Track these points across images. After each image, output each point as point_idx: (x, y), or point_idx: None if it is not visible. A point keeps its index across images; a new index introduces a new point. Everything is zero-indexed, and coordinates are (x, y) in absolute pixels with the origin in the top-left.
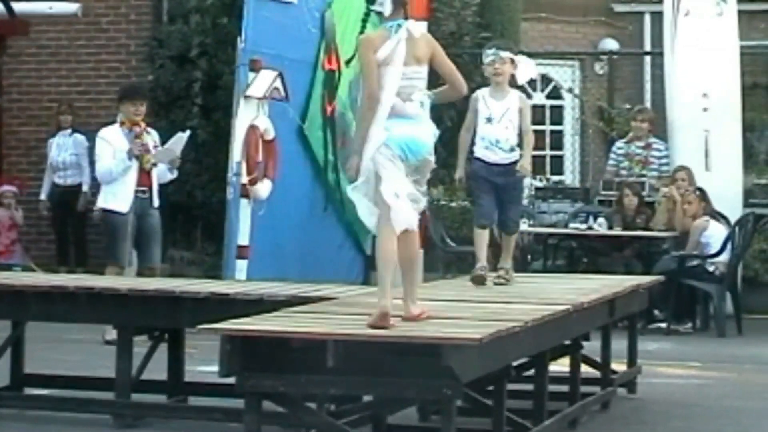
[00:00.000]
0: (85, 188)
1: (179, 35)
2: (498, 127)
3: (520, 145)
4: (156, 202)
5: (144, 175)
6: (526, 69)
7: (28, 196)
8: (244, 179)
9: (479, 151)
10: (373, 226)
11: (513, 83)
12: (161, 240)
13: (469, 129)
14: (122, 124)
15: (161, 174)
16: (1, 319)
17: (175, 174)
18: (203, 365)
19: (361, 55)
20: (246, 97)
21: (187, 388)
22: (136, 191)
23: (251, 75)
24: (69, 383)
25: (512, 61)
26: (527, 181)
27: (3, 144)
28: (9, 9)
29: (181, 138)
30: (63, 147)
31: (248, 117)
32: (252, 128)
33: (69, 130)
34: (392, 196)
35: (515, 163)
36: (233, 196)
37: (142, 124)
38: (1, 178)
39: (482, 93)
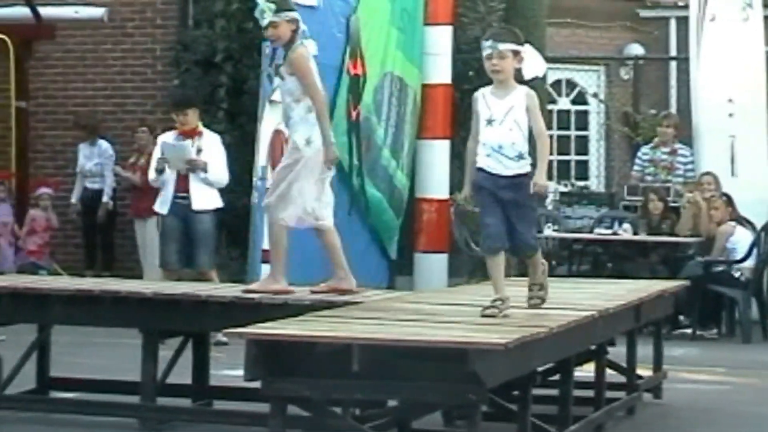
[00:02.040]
0: (105, 198)
1: (205, 40)
2: (500, 129)
3: (532, 152)
4: (197, 206)
5: (182, 179)
6: (533, 63)
7: (54, 200)
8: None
9: (481, 160)
10: None
11: (519, 78)
12: (211, 244)
13: (475, 136)
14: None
15: (214, 179)
16: (27, 322)
17: (223, 179)
18: (228, 369)
19: None
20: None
21: (212, 392)
22: (176, 196)
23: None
24: (94, 387)
25: (516, 53)
26: (552, 186)
27: (30, 148)
28: (35, 13)
29: (182, 145)
30: (88, 157)
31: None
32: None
33: (92, 140)
34: None
35: (526, 175)
36: (258, 200)
37: (199, 130)
38: (36, 181)
39: (483, 92)
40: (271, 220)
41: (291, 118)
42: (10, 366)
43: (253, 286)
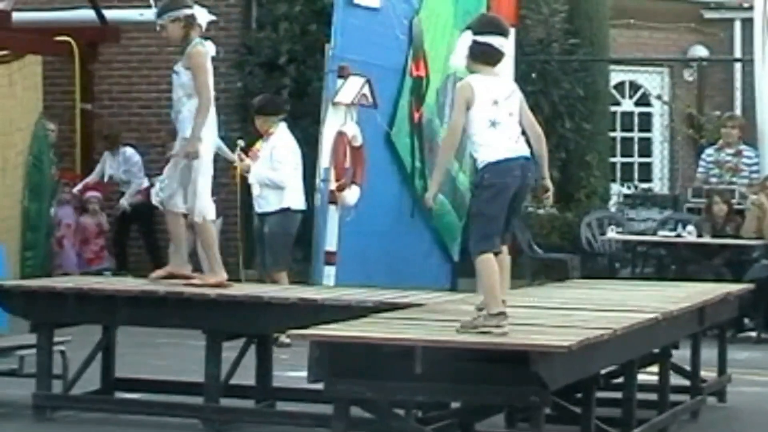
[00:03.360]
0: (123, 201)
1: (268, 42)
2: None
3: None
4: (258, 209)
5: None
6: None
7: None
8: (332, 185)
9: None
10: None
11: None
12: (278, 246)
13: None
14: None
15: (267, 180)
16: (92, 323)
17: (269, 179)
18: (292, 370)
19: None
20: (334, 103)
21: (275, 393)
22: (254, 198)
23: (339, 81)
24: (158, 387)
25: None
26: (615, 188)
27: (94, 150)
28: (100, 16)
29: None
30: (112, 165)
31: (336, 123)
32: (340, 135)
33: (115, 149)
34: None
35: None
36: (321, 202)
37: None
38: (62, 174)
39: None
40: (196, 223)
41: (181, 112)
42: (75, 366)
43: (194, 281)
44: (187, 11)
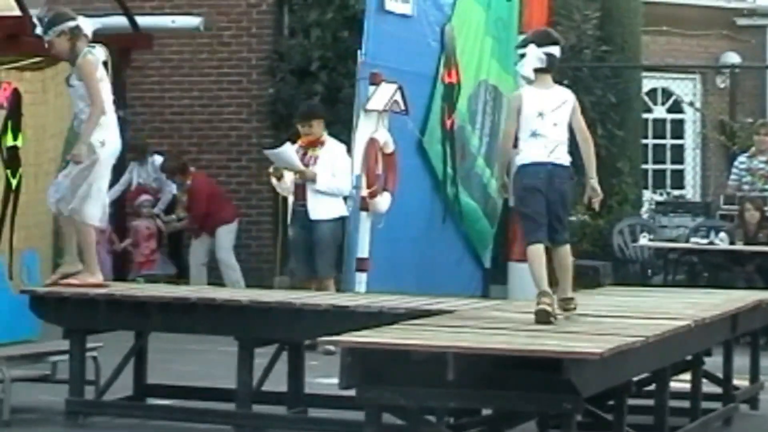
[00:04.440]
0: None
1: (300, 49)
2: None
3: None
4: (314, 216)
5: (300, 188)
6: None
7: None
8: (364, 192)
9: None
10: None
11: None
12: (331, 253)
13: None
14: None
15: (324, 189)
16: (124, 329)
17: (336, 188)
18: (323, 377)
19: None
20: (366, 110)
21: (307, 399)
22: (295, 205)
23: (371, 88)
24: (190, 394)
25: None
26: (647, 194)
27: (127, 156)
28: (133, 23)
29: (281, 152)
30: (143, 175)
31: (368, 130)
32: (372, 141)
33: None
34: None
35: None
36: (353, 208)
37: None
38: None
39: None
40: (78, 224)
41: (83, 121)
42: (107, 372)
43: (70, 280)
44: (71, 23)
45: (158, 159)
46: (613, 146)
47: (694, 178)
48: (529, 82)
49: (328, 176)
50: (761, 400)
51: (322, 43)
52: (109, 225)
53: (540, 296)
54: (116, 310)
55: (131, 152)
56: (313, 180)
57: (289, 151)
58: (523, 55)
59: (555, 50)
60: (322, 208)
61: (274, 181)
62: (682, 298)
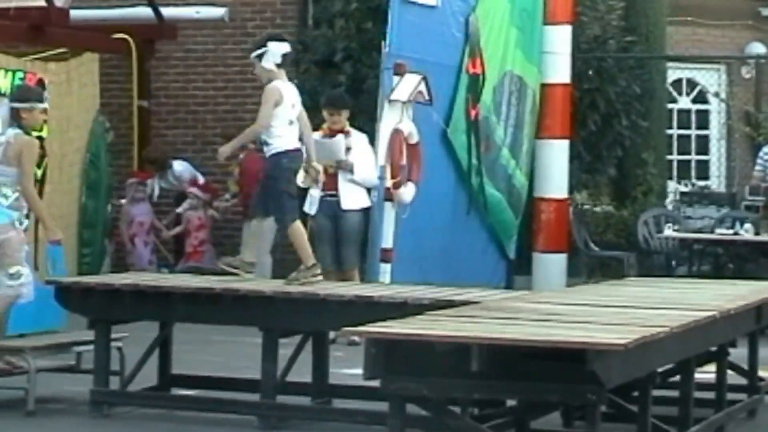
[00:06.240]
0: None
1: (324, 40)
2: None
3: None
4: (346, 205)
5: (330, 178)
6: None
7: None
8: (388, 183)
9: None
10: None
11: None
12: (358, 244)
13: None
14: (321, 129)
15: (361, 179)
16: (149, 320)
17: (371, 179)
18: (348, 368)
19: None
20: (390, 101)
21: (331, 390)
22: (324, 195)
23: (396, 79)
24: (215, 384)
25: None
26: (672, 185)
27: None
28: (157, 13)
29: (332, 142)
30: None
31: (392, 121)
32: (396, 132)
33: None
34: None
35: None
36: (377, 199)
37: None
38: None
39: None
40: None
41: None
42: (132, 363)
43: None
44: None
45: (177, 167)
46: (638, 137)
47: (719, 169)
48: None
49: (367, 166)
50: None
51: (347, 34)
52: (150, 216)
53: (314, 268)
54: (141, 301)
55: (152, 165)
56: (351, 170)
57: (341, 142)
58: None
59: None
60: (353, 199)
61: (301, 175)
62: (707, 289)
